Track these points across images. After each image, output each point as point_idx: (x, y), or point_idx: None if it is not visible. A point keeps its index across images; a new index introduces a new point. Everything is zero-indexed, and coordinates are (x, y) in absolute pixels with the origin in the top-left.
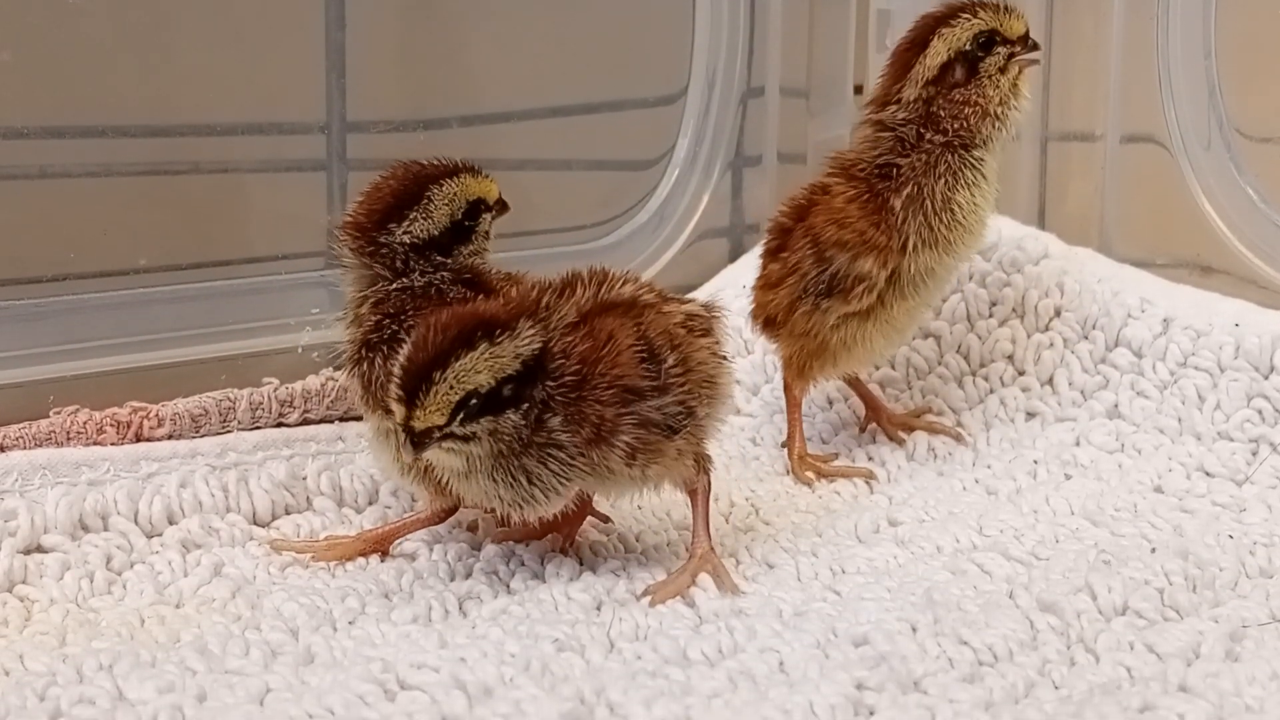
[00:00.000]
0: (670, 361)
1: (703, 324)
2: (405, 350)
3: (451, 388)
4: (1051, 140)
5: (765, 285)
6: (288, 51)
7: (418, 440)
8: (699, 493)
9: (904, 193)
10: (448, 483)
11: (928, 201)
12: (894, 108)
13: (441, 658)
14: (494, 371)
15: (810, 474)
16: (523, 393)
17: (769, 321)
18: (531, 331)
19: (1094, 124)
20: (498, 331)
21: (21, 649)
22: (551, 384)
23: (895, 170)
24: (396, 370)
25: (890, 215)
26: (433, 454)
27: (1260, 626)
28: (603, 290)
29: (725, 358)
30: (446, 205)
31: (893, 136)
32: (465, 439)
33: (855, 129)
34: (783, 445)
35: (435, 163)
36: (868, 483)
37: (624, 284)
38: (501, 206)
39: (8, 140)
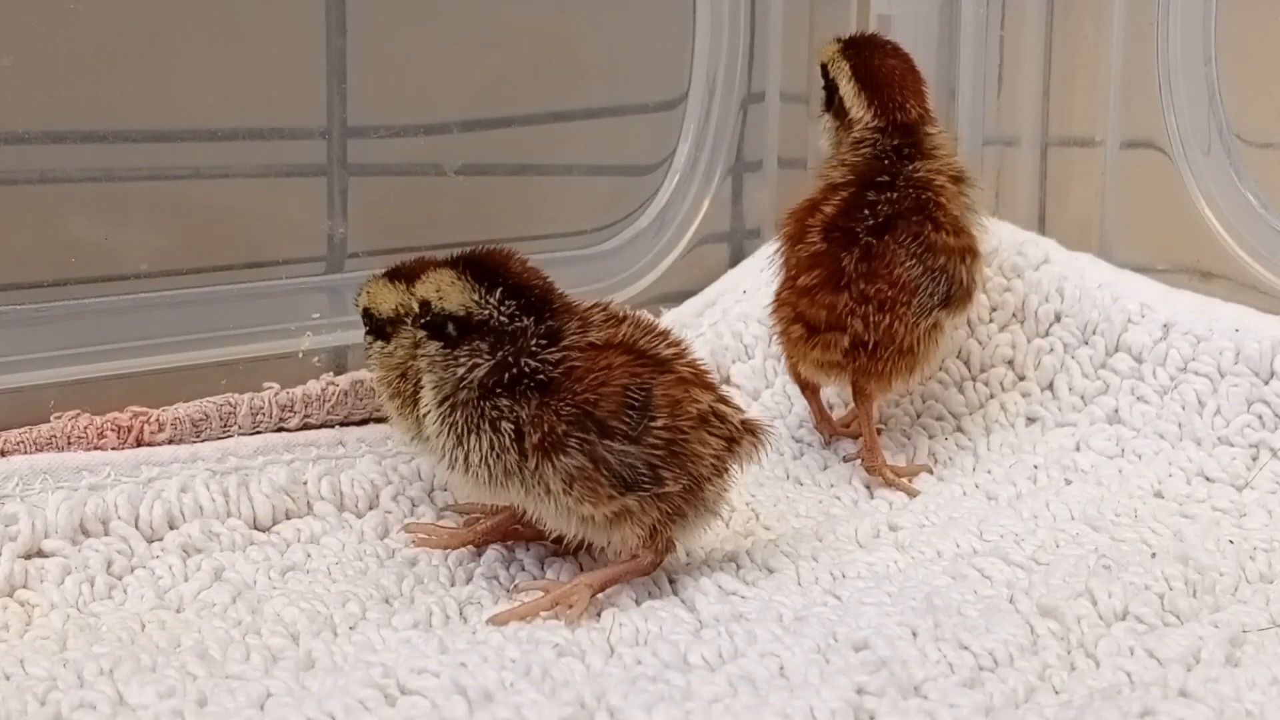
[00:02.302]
0: (659, 424)
1: (726, 430)
2: None
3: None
4: (1052, 145)
5: (879, 307)
6: (288, 56)
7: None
8: (636, 561)
9: (969, 197)
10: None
11: (976, 204)
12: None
13: (442, 663)
14: (440, 295)
15: (899, 478)
16: (462, 341)
17: (873, 348)
18: (506, 308)
19: (1094, 129)
20: (479, 275)
21: (22, 653)
22: (527, 375)
23: (954, 179)
24: None
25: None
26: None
27: (1260, 631)
28: (643, 338)
29: (724, 474)
30: None
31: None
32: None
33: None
34: (847, 459)
35: None
36: (867, 487)
37: (669, 346)
38: None
39: (8, 145)
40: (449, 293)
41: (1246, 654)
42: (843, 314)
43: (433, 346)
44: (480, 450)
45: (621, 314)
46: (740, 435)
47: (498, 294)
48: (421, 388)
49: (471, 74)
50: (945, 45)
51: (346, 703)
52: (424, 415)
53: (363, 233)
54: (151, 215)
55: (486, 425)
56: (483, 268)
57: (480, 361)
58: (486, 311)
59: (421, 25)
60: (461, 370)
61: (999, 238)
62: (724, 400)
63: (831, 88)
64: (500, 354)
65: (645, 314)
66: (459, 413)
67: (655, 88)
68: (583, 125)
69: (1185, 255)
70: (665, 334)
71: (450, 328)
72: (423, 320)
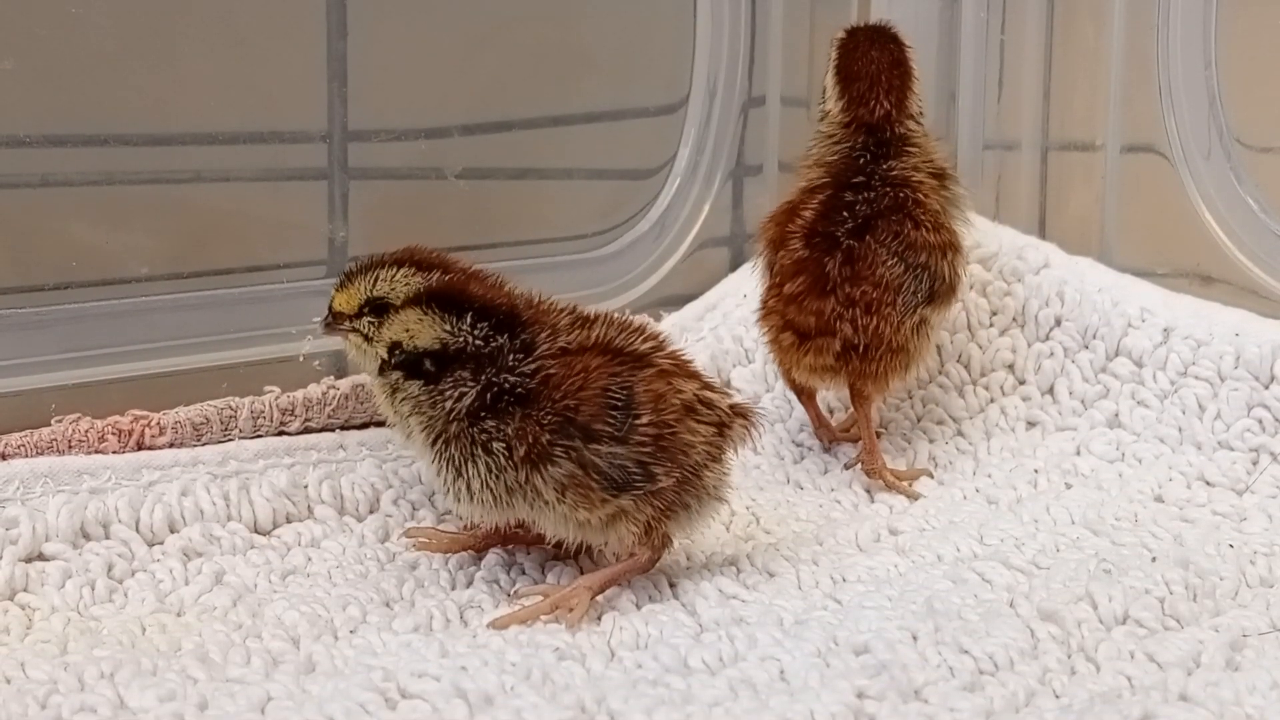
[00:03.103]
0: (644, 421)
1: (715, 416)
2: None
3: (373, 285)
4: (1052, 150)
5: (866, 310)
6: (289, 60)
7: (329, 321)
8: (634, 559)
9: (951, 192)
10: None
11: (958, 199)
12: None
13: (443, 666)
14: (391, 286)
15: (899, 481)
16: (443, 374)
17: (864, 350)
18: (479, 330)
19: (1094, 133)
20: (446, 305)
21: (23, 657)
22: (506, 391)
23: (934, 175)
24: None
25: (944, 215)
26: (347, 339)
27: (1261, 635)
28: (618, 336)
29: (720, 459)
30: None
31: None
32: (368, 337)
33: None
34: (847, 465)
35: None
36: (867, 491)
37: (645, 341)
38: None
39: (10, 149)
40: (419, 330)
41: (1247, 658)
42: (830, 319)
43: (414, 386)
44: (480, 476)
45: (592, 315)
46: (730, 420)
47: (469, 319)
48: (410, 429)
49: (472, 78)
50: (945, 49)
51: (347, 706)
52: (419, 455)
53: (363, 236)
54: (152, 219)
55: (480, 450)
56: (446, 297)
57: (466, 390)
58: (462, 339)
59: (422, 29)
60: (449, 403)
61: (999, 242)
62: (710, 387)
63: None
64: (484, 377)
65: (616, 313)
66: (453, 446)
67: (656, 92)
68: (583, 129)
69: (1185, 259)
70: (641, 329)
71: (428, 364)
72: (396, 362)
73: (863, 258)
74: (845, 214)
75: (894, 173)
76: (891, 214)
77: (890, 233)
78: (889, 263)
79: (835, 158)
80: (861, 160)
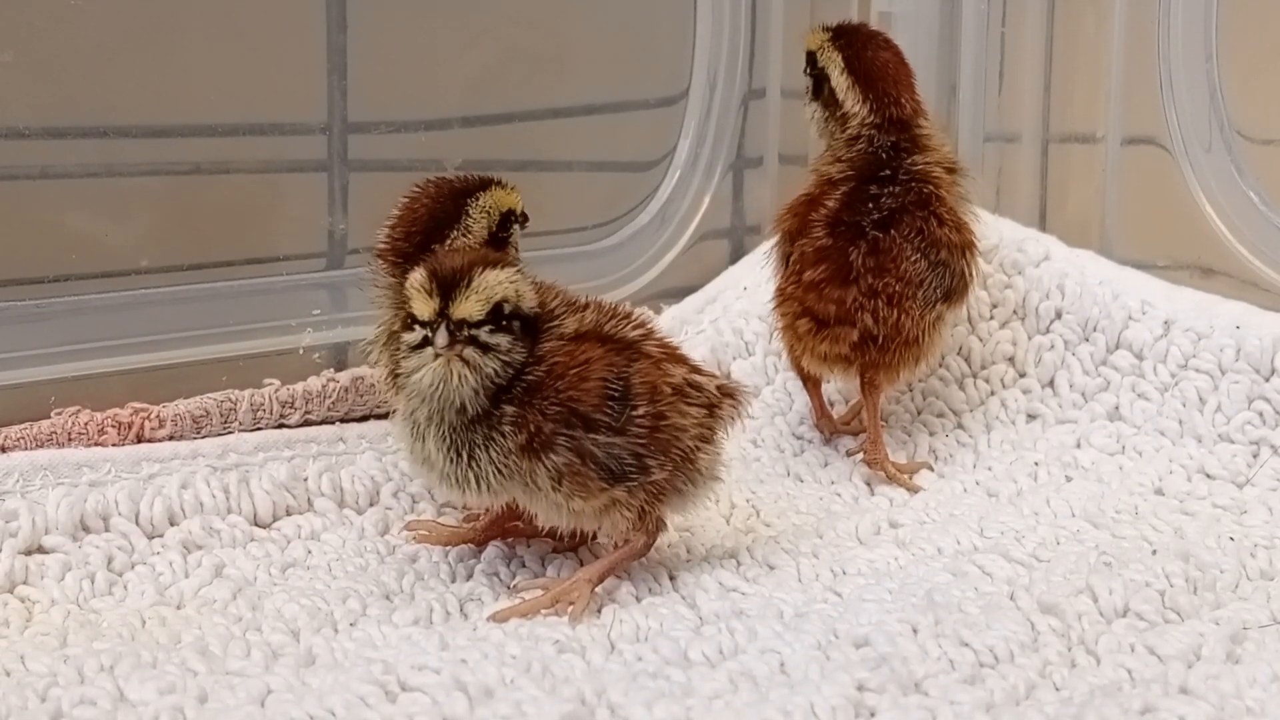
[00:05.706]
0: (640, 412)
1: (704, 398)
2: (427, 263)
3: (489, 287)
4: (1052, 142)
5: (888, 301)
6: (289, 53)
7: (454, 330)
8: (630, 546)
9: (961, 187)
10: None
11: (968, 193)
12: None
13: (442, 659)
14: (517, 291)
15: (899, 473)
16: (520, 336)
17: (881, 341)
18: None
19: (1095, 126)
20: (516, 267)
21: (23, 650)
22: (521, 375)
23: (949, 169)
24: (422, 273)
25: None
26: (450, 364)
27: (1261, 629)
28: (608, 322)
29: (712, 440)
30: (484, 219)
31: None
32: (485, 348)
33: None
34: (850, 453)
35: (462, 177)
36: (868, 484)
37: (634, 328)
38: (524, 218)
39: (9, 140)
40: (524, 291)
41: (1247, 651)
42: (852, 308)
43: (518, 349)
44: (492, 459)
45: (581, 300)
46: (719, 400)
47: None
48: (435, 413)
49: (472, 70)
50: (946, 42)
51: (347, 699)
52: (430, 441)
53: (363, 229)
54: (152, 211)
55: (494, 432)
56: (509, 264)
57: (506, 366)
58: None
59: (422, 21)
60: (490, 374)
61: (999, 234)
62: (698, 370)
63: (820, 77)
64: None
65: (604, 299)
66: (474, 431)
67: (656, 84)
68: (584, 121)
69: (1186, 252)
70: (629, 315)
71: (517, 325)
72: (494, 324)
73: (887, 250)
74: (870, 205)
75: (917, 167)
76: (916, 210)
77: (914, 229)
78: (912, 258)
79: (855, 154)
80: (885, 155)
